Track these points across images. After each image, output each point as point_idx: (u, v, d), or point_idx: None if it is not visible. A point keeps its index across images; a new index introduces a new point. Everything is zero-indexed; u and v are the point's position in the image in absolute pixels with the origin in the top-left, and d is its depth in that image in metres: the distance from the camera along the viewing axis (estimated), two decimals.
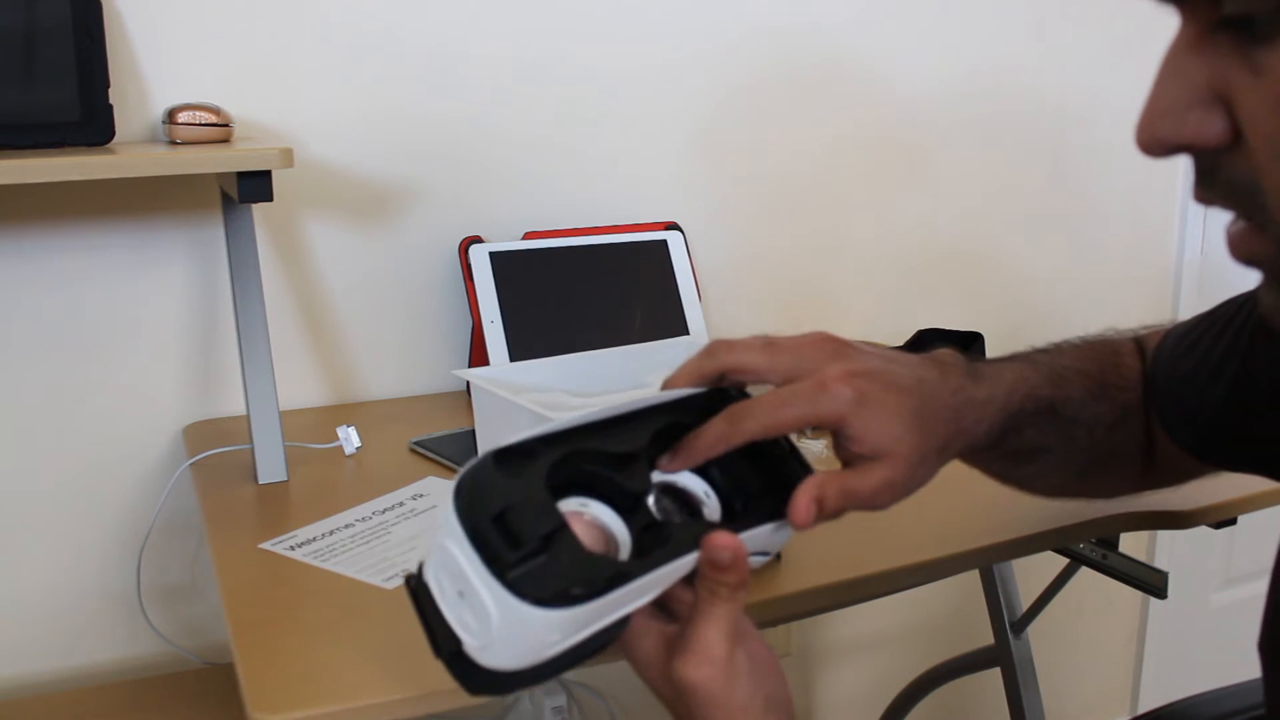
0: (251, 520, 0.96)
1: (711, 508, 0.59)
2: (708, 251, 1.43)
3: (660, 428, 0.59)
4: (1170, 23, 0.41)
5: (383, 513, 0.95)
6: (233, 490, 1.02)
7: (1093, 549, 1.08)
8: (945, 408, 0.63)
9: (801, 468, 0.59)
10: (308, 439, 1.11)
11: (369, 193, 1.26)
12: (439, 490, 0.99)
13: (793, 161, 1.48)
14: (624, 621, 0.54)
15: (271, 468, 1.03)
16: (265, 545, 0.89)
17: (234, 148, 1.02)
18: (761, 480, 0.60)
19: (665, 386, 0.61)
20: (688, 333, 1.28)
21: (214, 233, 1.19)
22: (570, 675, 1.35)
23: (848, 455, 0.60)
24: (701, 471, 0.60)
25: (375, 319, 1.29)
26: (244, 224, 1.06)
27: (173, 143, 1.04)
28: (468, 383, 1.21)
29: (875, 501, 0.60)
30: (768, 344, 0.61)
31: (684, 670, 0.54)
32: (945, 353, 0.67)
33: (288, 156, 0.96)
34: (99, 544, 1.21)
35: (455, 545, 0.50)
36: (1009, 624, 1.35)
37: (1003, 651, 1.37)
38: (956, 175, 1.59)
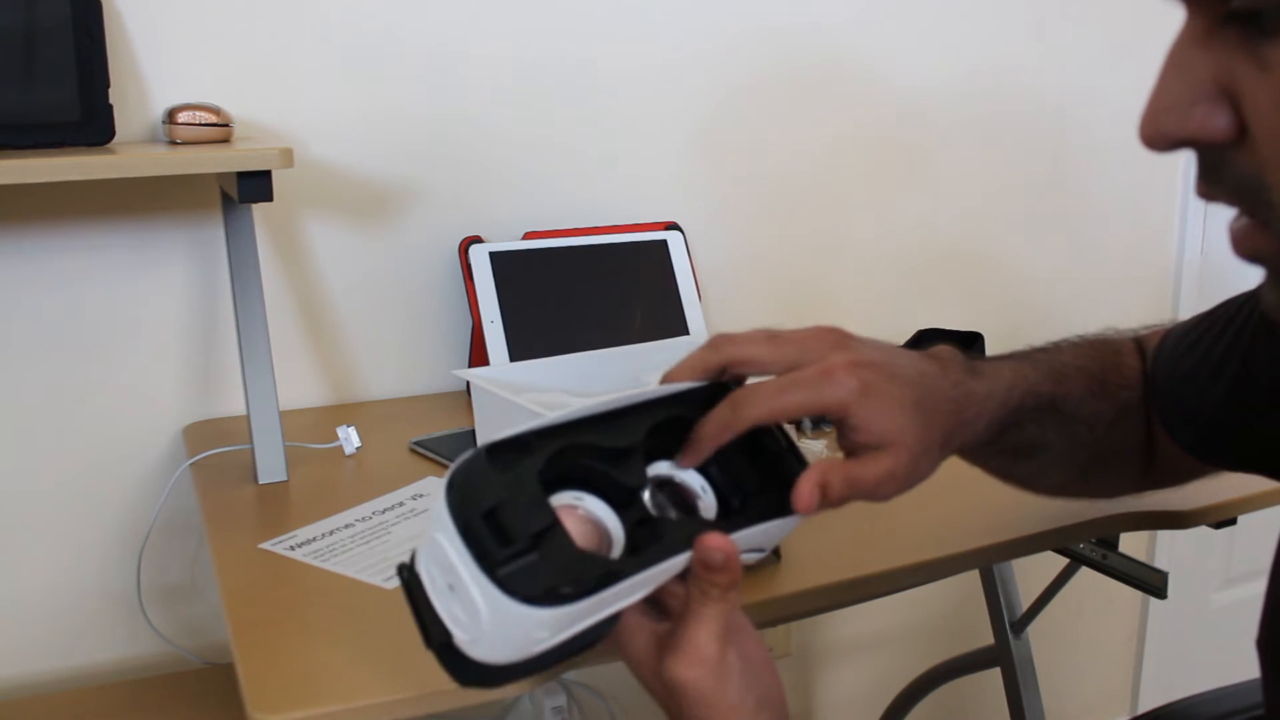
0: (251, 520, 0.96)
1: (707, 503, 0.59)
2: (708, 251, 1.43)
3: (657, 422, 0.58)
4: (1171, 22, 0.40)
5: (383, 513, 0.95)
6: (233, 490, 1.02)
7: (1093, 549, 1.08)
8: (946, 400, 0.63)
9: (799, 464, 0.59)
10: (308, 439, 1.11)
11: (369, 193, 1.26)
12: (439, 490, 0.99)
13: (793, 161, 1.48)
14: (616, 617, 0.54)
15: (271, 468, 1.03)
16: (265, 545, 0.89)
17: (234, 148, 1.02)
18: (759, 477, 0.60)
19: (666, 379, 0.61)
20: (688, 333, 1.28)
21: (214, 233, 1.19)
22: (570, 675, 1.36)
23: (851, 445, 0.60)
24: (700, 467, 0.60)
25: (375, 319, 1.29)
26: (244, 224, 1.06)
27: (173, 143, 1.04)
28: (468, 383, 1.21)
29: (878, 491, 0.60)
30: (771, 336, 0.61)
31: (675, 669, 0.54)
32: (944, 349, 0.67)
33: (288, 156, 0.96)
34: (99, 544, 1.21)
35: (446, 540, 0.50)
36: (1009, 624, 1.35)
37: (1003, 651, 1.37)
38: (956, 175, 1.59)
